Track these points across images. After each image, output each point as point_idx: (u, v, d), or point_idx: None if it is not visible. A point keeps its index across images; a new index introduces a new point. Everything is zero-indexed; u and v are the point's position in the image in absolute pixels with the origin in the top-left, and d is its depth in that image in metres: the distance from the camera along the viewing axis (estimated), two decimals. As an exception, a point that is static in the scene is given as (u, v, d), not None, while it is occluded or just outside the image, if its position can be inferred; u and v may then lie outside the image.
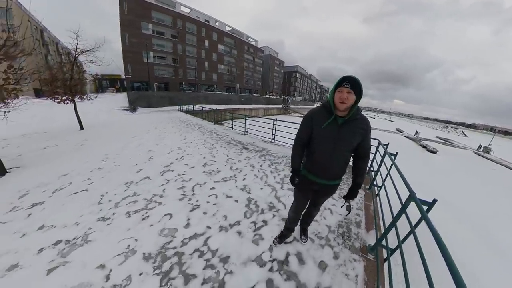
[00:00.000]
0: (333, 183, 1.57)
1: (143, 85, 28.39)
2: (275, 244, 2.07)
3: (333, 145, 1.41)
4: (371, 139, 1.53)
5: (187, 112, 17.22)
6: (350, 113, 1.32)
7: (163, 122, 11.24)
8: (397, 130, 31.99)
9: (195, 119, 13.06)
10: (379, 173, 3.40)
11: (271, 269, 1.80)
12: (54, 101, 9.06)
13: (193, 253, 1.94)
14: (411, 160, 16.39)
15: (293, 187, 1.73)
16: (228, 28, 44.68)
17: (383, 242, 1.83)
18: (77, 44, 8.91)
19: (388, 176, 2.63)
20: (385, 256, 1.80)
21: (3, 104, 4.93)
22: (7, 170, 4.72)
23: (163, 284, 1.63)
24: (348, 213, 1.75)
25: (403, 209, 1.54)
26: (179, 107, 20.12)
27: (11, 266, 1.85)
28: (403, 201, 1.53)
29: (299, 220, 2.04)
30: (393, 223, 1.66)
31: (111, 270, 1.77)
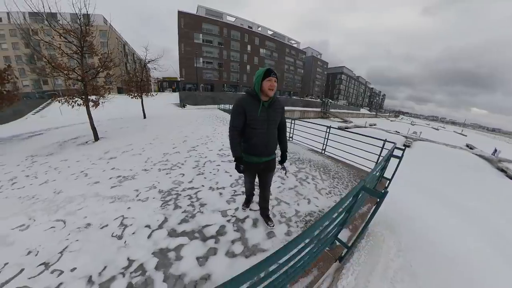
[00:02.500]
0: (272, 157, 1.85)
1: (193, 86, 32.98)
2: (244, 209, 2.42)
3: (267, 126, 1.64)
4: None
5: (224, 110, 19.26)
6: (272, 97, 1.60)
7: (203, 117, 13.21)
8: (467, 145, 25.63)
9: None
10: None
11: (228, 221, 2.28)
12: (130, 96, 12.23)
13: (186, 196, 2.85)
14: (476, 185, 10.96)
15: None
16: (270, 32, 45.62)
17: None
18: (146, 55, 11.76)
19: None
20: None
21: (102, 97, 7.42)
22: (99, 138, 7.14)
23: (162, 205, 2.62)
24: (286, 173, 2.14)
25: (356, 196, 1.43)
26: (218, 105, 22.63)
27: (95, 182, 3.38)
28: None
29: (260, 209, 2.28)
30: (348, 213, 1.53)
31: (140, 192, 2.96)
